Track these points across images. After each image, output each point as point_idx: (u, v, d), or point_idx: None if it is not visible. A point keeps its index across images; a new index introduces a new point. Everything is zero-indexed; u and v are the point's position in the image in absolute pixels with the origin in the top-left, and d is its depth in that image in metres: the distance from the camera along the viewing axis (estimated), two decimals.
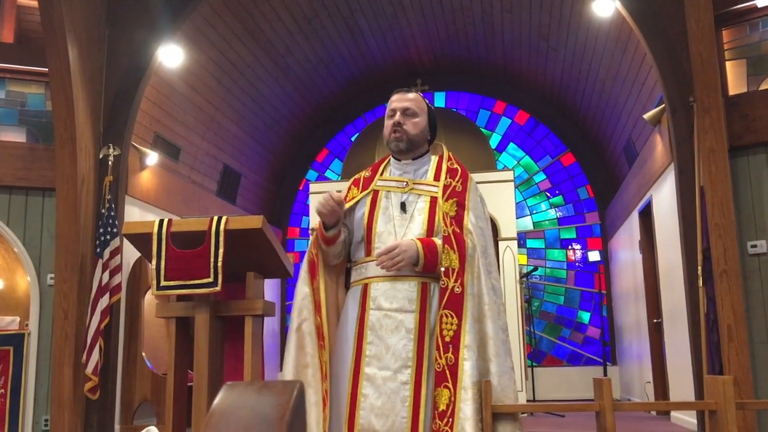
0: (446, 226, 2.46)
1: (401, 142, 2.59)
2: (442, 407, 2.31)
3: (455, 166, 2.64)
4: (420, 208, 2.53)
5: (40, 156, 6.14)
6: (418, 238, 2.45)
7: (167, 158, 7.34)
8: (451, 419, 2.28)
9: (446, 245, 2.42)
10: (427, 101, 2.72)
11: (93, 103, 6.13)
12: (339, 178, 9.31)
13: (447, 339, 2.35)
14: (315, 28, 8.28)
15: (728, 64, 5.53)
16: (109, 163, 6.17)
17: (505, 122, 10.20)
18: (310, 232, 7.27)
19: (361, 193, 2.63)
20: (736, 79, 5.50)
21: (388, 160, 2.73)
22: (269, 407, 0.61)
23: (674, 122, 5.54)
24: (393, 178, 2.63)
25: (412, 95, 2.67)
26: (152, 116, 6.97)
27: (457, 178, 2.59)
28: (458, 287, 2.38)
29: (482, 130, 9.54)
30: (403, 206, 2.54)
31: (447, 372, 2.33)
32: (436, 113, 2.76)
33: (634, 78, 6.85)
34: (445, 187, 2.55)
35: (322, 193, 7.72)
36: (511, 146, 10.13)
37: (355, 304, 2.50)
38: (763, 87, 5.37)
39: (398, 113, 2.62)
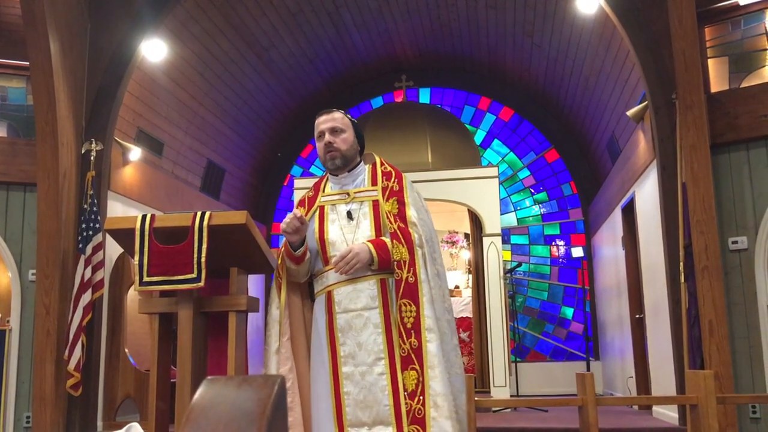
0: (391, 223, 2.68)
1: (336, 159, 2.81)
2: (411, 387, 2.52)
3: (389, 169, 2.87)
4: (365, 213, 2.75)
5: (21, 151, 6.08)
6: (368, 240, 2.66)
7: (150, 153, 7.29)
8: (422, 397, 2.49)
9: (394, 240, 2.64)
10: (350, 116, 2.93)
11: (75, 97, 6.07)
12: (323, 174, 9.29)
13: (408, 325, 2.56)
14: (299, 23, 8.25)
15: (710, 62, 5.57)
16: (92, 158, 6.12)
17: (489, 119, 10.23)
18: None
19: (308, 211, 2.85)
20: (718, 77, 5.55)
21: (326, 177, 2.97)
22: (250, 402, 0.60)
23: (657, 119, 5.58)
24: (334, 192, 2.86)
25: (336, 114, 2.87)
26: (135, 111, 6.91)
27: (392, 180, 2.82)
28: (411, 277, 2.60)
29: (467, 126, 9.55)
30: (349, 214, 2.77)
31: (412, 355, 2.54)
32: (362, 128, 3.00)
33: (618, 75, 6.89)
34: (384, 189, 2.78)
35: (306, 189, 7.71)
36: (496, 143, 10.16)
37: (322, 311, 2.72)
38: (744, 85, 5.42)
39: (327, 134, 2.83)
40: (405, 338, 2.56)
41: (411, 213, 2.73)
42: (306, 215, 2.82)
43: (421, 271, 2.61)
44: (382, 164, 2.89)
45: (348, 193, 2.82)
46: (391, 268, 2.64)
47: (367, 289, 2.66)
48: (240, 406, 0.60)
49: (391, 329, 2.61)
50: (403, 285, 2.59)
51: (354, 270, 2.60)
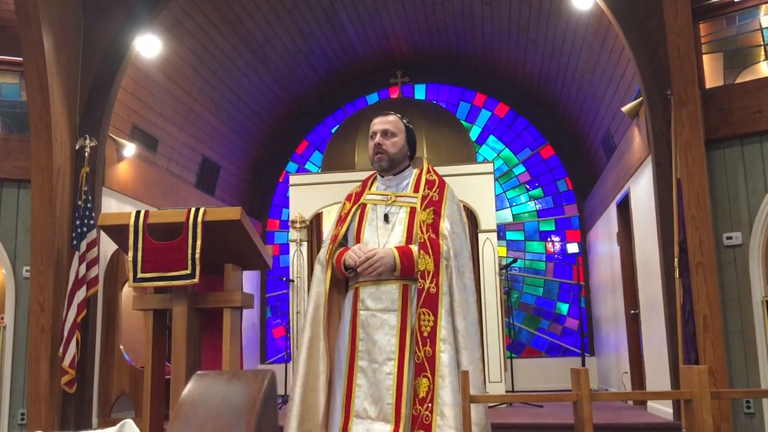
0: (422, 233, 2.78)
1: (383, 161, 2.93)
2: (422, 394, 2.60)
3: (433, 177, 2.96)
4: (401, 219, 2.85)
5: (14, 147, 6.05)
6: (396, 246, 2.78)
7: (145, 149, 7.26)
8: (430, 404, 2.58)
9: (422, 251, 2.74)
10: (405, 121, 3.02)
11: (69, 93, 6.05)
12: (319, 170, 9.29)
13: (425, 334, 2.65)
14: (294, 19, 8.23)
15: (705, 58, 5.58)
16: (86, 154, 6.09)
17: (485, 115, 10.22)
18: (290, 223, 7.25)
19: (353, 206, 2.98)
20: (712, 73, 5.55)
21: (375, 176, 3.09)
22: (239, 397, 0.60)
23: (652, 115, 5.58)
24: (379, 192, 2.97)
25: (391, 118, 2.99)
26: (129, 107, 6.89)
27: (434, 189, 2.90)
28: (433, 287, 2.69)
29: (462, 122, 9.55)
30: (386, 217, 2.87)
31: (426, 363, 2.62)
32: (414, 132, 3.05)
33: (613, 71, 6.89)
34: (423, 198, 2.87)
35: (302, 185, 7.71)
36: (491, 139, 10.16)
37: (349, 305, 2.85)
38: (739, 80, 5.42)
39: (378, 135, 2.95)
40: (420, 346, 2.65)
41: (444, 225, 2.80)
42: (351, 209, 2.97)
43: (443, 282, 2.70)
44: (428, 172, 2.97)
45: (390, 195, 2.92)
46: (414, 276, 2.74)
47: (390, 292, 2.77)
48: (230, 400, 0.60)
49: (406, 334, 2.72)
50: (424, 294, 2.69)
51: (376, 273, 2.73)
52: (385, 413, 2.65)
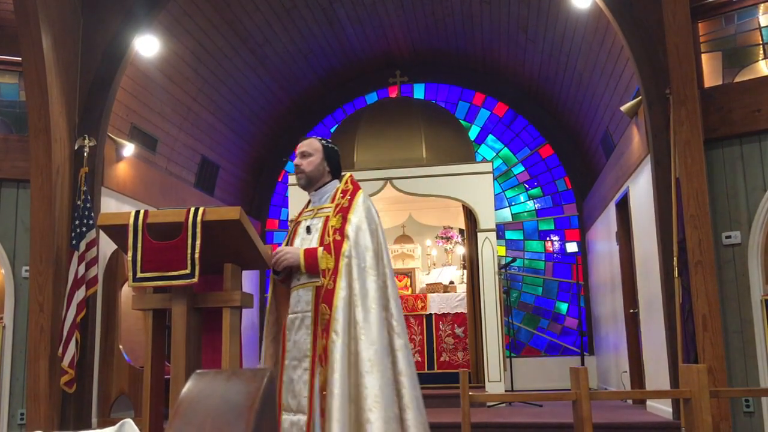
0: (329, 236, 3.03)
1: (301, 179, 3.22)
2: (322, 383, 2.84)
3: (349, 186, 3.22)
4: (318, 228, 3.12)
5: (13, 147, 6.05)
6: (306, 248, 3.06)
7: (144, 149, 7.26)
8: (324, 393, 2.81)
9: (325, 251, 2.99)
10: (324, 142, 3.29)
11: (68, 93, 6.05)
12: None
13: (323, 326, 2.90)
14: (293, 19, 8.23)
15: (704, 57, 5.58)
16: (85, 154, 6.09)
17: (484, 114, 10.23)
18: (289, 223, 7.27)
19: (293, 225, 3.32)
20: (711, 72, 5.55)
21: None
22: (238, 395, 0.60)
23: (651, 114, 5.58)
24: (309, 209, 3.27)
25: (309, 140, 3.28)
26: (128, 107, 6.89)
27: (346, 197, 3.16)
28: (331, 284, 2.93)
29: (461, 121, 9.55)
30: (308, 229, 3.16)
31: (324, 354, 2.87)
32: (334, 150, 3.32)
33: (612, 70, 6.89)
34: (336, 206, 3.13)
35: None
36: (490, 138, 10.16)
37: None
38: (738, 79, 5.43)
39: (298, 156, 3.23)
40: (319, 339, 2.90)
41: (348, 228, 3.03)
42: (291, 228, 3.32)
43: (341, 279, 2.93)
44: (346, 183, 3.24)
45: (314, 210, 3.22)
46: (318, 273, 2.98)
47: (306, 295, 3.01)
48: (229, 399, 0.60)
49: (317, 332, 2.94)
50: (323, 291, 2.93)
51: (282, 266, 3.00)
52: (302, 406, 2.89)
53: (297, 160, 3.22)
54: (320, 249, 2.99)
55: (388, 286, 3.03)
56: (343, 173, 3.32)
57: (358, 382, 2.80)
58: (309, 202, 3.32)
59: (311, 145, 3.24)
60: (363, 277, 2.96)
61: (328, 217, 3.10)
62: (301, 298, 3.02)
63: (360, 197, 3.14)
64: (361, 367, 2.81)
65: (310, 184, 3.22)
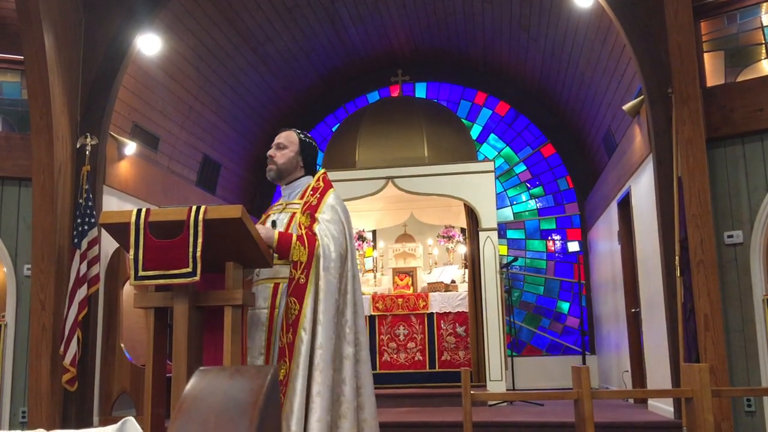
0: (300, 229, 2.98)
1: (271, 171, 3.17)
2: (281, 378, 2.77)
3: (320, 184, 3.17)
4: (283, 223, 3.07)
5: (15, 145, 6.05)
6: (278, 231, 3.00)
7: (146, 148, 7.26)
8: (284, 388, 2.75)
9: (299, 242, 2.92)
10: (302, 136, 3.24)
11: (70, 91, 6.05)
12: (320, 168, 9.27)
13: (290, 321, 2.84)
14: (295, 17, 8.23)
15: (706, 56, 5.57)
16: (87, 152, 6.10)
17: (485, 113, 10.22)
18: None
19: (263, 218, 3.25)
20: (713, 71, 5.55)
21: None
22: (242, 392, 0.60)
23: (653, 113, 5.57)
24: (278, 203, 3.23)
25: (287, 132, 3.23)
26: (130, 105, 6.89)
27: (316, 195, 3.11)
28: (303, 278, 2.88)
29: (463, 121, 9.54)
30: (273, 224, 3.10)
31: (286, 349, 2.82)
32: (311, 145, 3.28)
33: (614, 69, 6.89)
34: (305, 204, 3.08)
35: None
36: (492, 137, 10.15)
37: None
38: (740, 79, 5.42)
39: (273, 148, 3.19)
40: (284, 333, 2.84)
41: (316, 227, 3.00)
42: (260, 221, 3.25)
43: (313, 274, 2.88)
44: (317, 180, 3.19)
45: (283, 204, 3.18)
46: (288, 260, 2.91)
47: (264, 291, 2.99)
48: (232, 396, 0.60)
49: (272, 329, 2.92)
50: (294, 284, 2.87)
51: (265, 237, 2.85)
52: None
53: (271, 151, 3.18)
54: (294, 237, 2.93)
55: (348, 291, 3.01)
56: (318, 169, 3.28)
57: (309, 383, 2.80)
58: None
59: (288, 137, 3.21)
60: (327, 277, 2.93)
61: (294, 213, 3.06)
62: (260, 294, 2.99)
63: (330, 196, 3.11)
64: (313, 368, 2.81)
65: (280, 177, 3.19)
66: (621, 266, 7.40)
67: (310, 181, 3.20)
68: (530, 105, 10.02)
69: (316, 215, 3.02)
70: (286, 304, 2.86)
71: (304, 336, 2.80)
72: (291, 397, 2.72)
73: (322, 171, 3.25)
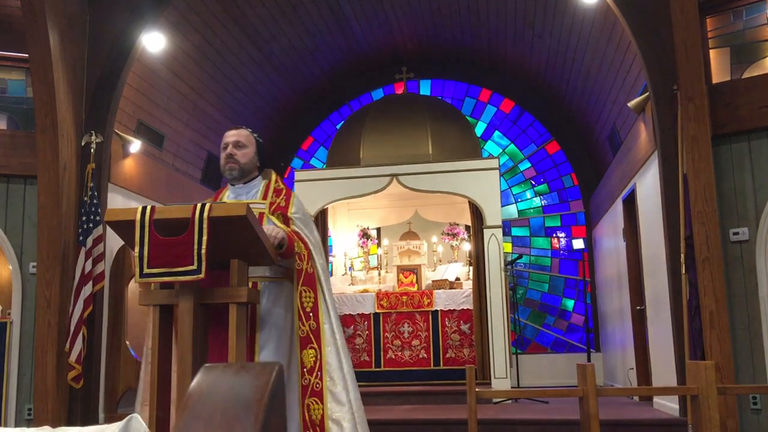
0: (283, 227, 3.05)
1: (234, 170, 3.16)
2: (310, 365, 2.91)
3: (281, 186, 3.23)
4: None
5: (21, 143, 6.07)
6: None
7: (150, 145, 7.28)
8: (319, 372, 2.90)
9: (296, 237, 3.02)
10: (256, 136, 3.29)
11: (75, 89, 6.06)
12: (324, 166, 9.29)
13: (308, 309, 2.95)
14: (299, 14, 8.22)
15: (712, 53, 5.55)
16: (92, 150, 6.11)
17: (490, 110, 10.20)
18: None
19: None
20: (719, 68, 5.53)
21: (227, 187, 3.32)
22: (247, 389, 0.60)
23: (658, 110, 5.56)
24: (231, 201, 3.18)
25: (243, 131, 3.24)
26: (135, 103, 6.90)
27: (281, 196, 3.17)
28: (311, 268, 3.01)
29: (468, 118, 9.53)
30: None
31: (311, 335, 2.93)
32: (263, 145, 3.33)
33: (619, 66, 6.87)
34: (271, 204, 3.12)
35: (307, 181, 7.72)
36: (497, 134, 10.14)
37: None
38: (746, 75, 5.40)
39: (230, 146, 3.17)
40: (304, 320, 2.95)
41: (294, 225, 3.09)
42: None
43: (318, 264, 3.04)
44: (276, 182, 3.24)
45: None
46: (289, 258, 2.98)
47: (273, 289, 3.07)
48: (238, 392, 0.60)
49: (255, 327, 3.00)
50: (303, 274, 2.99)
51: (277, 240, 2.88)
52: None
53: (231, 149, 3.16)
54: (292, 234, 3.03)
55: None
56: (266, 169, 3.34)
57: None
58: (224, 192, 3.27)
59: (247, 137, 3.23)
60: (322, 263, 3.11)
61: (261, 213, 3.06)
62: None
63: (295, 199, 3.21)
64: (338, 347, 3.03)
65: (242, 176, 3.20)
66: (626, 263, 7.38)
67: (263, 181, 3.25)
68: (535, 102, 10.00)
69: (289, 214, 3.12)
70: (300, 292, 2.97)
71: (325, 319, 2.96)
72: (332, 373, 2.89)
73: (274, 172, 3.32)
